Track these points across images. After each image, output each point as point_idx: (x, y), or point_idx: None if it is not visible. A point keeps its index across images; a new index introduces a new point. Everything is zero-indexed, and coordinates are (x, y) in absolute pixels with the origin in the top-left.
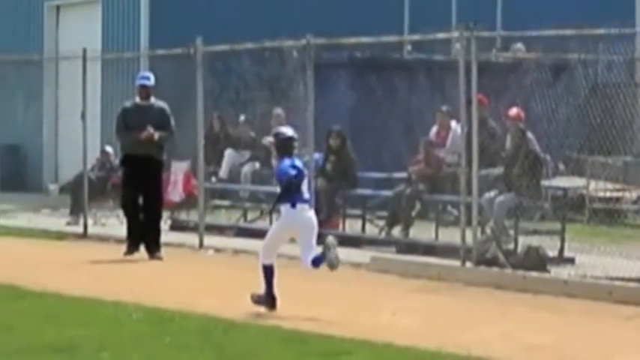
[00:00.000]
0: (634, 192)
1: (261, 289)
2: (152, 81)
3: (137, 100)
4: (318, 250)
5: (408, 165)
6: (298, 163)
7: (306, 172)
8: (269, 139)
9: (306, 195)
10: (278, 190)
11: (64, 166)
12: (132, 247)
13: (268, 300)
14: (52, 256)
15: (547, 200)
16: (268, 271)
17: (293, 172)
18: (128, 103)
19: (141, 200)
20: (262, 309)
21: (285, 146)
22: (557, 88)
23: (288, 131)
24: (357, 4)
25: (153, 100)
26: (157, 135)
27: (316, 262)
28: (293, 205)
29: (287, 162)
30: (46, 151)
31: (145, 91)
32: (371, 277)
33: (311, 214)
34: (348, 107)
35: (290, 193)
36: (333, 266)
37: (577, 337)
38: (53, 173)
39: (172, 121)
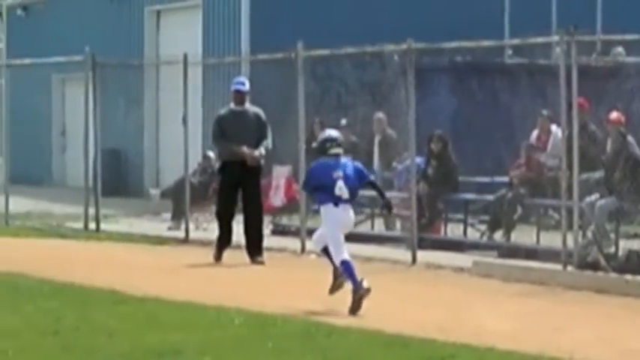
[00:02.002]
0: None
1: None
2: (247, 86)
3: (232, 105)
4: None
5: (509, 169)
6: (327, 162)
7: (342, 174)
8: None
9: (346, 195)
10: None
11: (165, 171)
12: (220, 252)
13: (362, 287)
14: (153, 261)
15: None
16: (347, 265)
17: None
18: (223, 111)
19: (239, 207)
20: (365, 312)
21: (319, 148)
22: None
23: (326, 133)
24: (457, 8)
25: (247, 105)
26: (262, 152)
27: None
28: (335, 205)
29: (315, 166)
30: (147, 156)
31: (240, 97)
32: (473, 281)
33: (351, 213)
34: (449, 111)
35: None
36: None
37: None
38: (154, 178)
39: (269, 127)
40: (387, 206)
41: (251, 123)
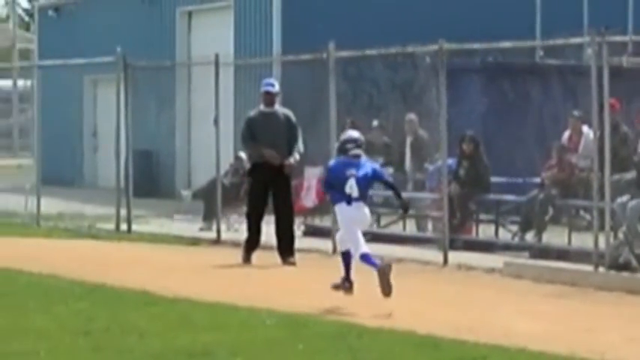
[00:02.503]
0: None
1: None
2: (277, 88)
3: (261, 107)
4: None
5: (540, 170)
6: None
7: (356, 172)
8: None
9: (356, 194)
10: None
11: (196, 172)
12: (248, 254)
13: (383, 264)
14: (185, 262)
15: None
16: (367, 257)
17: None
18: (252, 113)
19: (270, 208)
20: (396, 313)
21: (340, 148)
22: None
23: (347, 134)
24: (489, 9)
25: (277, 106)
26: (297, 158)
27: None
28: (348, 203)
29: (333, 164)
30: (179, 157)
31: (270, 98)
32: (504, 282)
33: (366, 210)
34: (480, 112)
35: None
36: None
37: None
38: (186, 179)
39: (299, 129)
40: (404, 207)
41: (281, 125)
